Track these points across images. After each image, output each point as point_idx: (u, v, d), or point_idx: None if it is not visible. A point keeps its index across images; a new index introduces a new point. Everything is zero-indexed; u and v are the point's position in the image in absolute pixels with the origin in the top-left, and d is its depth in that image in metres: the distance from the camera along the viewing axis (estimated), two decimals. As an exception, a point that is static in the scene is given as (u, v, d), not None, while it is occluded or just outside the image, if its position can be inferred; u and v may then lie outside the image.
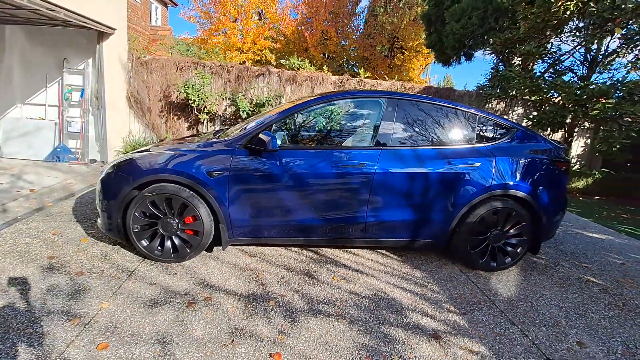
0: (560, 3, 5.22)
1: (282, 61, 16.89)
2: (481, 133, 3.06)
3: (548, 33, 6.40)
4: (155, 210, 2.71)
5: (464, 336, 2.21)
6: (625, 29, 5.27)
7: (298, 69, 6.61)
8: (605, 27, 5.35)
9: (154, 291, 2.43)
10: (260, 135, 2.61)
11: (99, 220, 3.00)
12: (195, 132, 6.71)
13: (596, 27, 5.49)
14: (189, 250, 2.80)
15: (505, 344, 2.16)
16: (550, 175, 3.05)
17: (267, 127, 2.78)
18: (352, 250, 3.35)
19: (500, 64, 8.49)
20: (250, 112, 6.30)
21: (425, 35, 12.50)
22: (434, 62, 18.24)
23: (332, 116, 2.93)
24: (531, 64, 6.60)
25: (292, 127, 2.86)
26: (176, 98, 6.42)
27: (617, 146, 5.43)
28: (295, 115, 2.83)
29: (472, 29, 9.72)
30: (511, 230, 3.01)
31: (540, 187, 2.98)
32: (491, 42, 7.57)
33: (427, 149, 2.92)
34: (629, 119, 5.53)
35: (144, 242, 2.77)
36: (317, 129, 2.91)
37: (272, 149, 2.55)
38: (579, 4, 5.16)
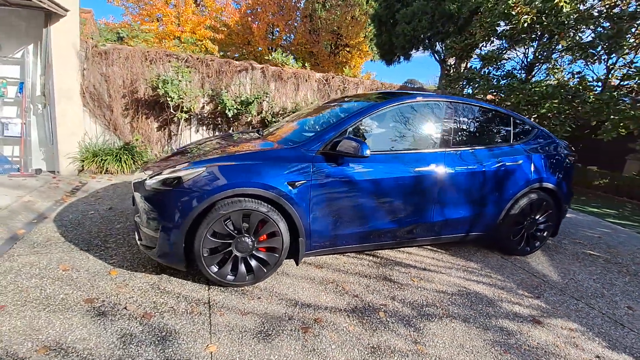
0: (519, 16, 6.04)
1: (228, 53, 15.83)
2: (516, 132, 3.40)
3: (501, 40, 7.34)
4: (231, 229, 2.36)
5: (555, 317, 2.47)
6: (567, 41, 6.37)
7: (283, 65, 6.30)
8: (552, 39, 6.40)
9: (254, 321, 2.14)
10: (347, 142, 2.46)
11: (141, 243, 2.49)
12: (168, 133, 5.91)
13: (545, 37, 6.52)
14: (265, 270, 2.51)
15: (586, 317, 2.50)
16: (566, 167, 3.56)
17: (343, 132, 2.64)
18: (401, 249, 3.42)
19: (452, 65, 9.37)
20: (236, 111, 5.80)
21: (375, 34, 13.05)
22: (372, 60, 19.29)
23: (399, 119, 2.91)
24: (487, 67, 7.47)
25: (363, 131, 2.76)
26: (144, 94, 5.55)
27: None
28: (366, 119, 2.74)
29: (422, 32, 10.56)
30: (541, 218, 3.44)
31: (561, 178, 3.46)
32: (449, 46, 8.31)
33: (481, 149, 3.13)
34: (564, 116, 6.73)
35: (214, 268, 2.39)
36: (386, 132, 2.86)
37: (362, 155, 2.43)
38: (534, 17, 6.05)
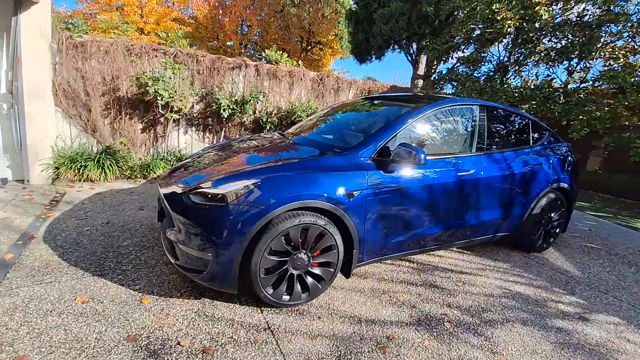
0: (503, 21, 6.36)
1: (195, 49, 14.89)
2: (534, 135, 3.53)
3: (483, 44, 7.69)
4: (288, 245, 2.16)
5: (596, 312, 2.60)
6: (545, 47, 6.83)
7: (276, 62, 6.02)
8: (531, 43, 6.82)
9: (327, 345, 1.98)
10: (403, 148, 2.35)
11: (178, 264, 2.20)
12: (154, 135, 5.39)
13: (527, 42, 6.94)
14: (320, 287, 2.34)
15: (620, 310, 2.66)
16: (574, 167, 3.78)
17: (392, 137, 2.54)
18: (430, 253, 3.41)
19: (432, 65, 9.65)
20: (232, 111, 5.42)
21: (350, 33, 13.07)
22: (342, 58, 19.36)
23: (439, 123, 2.88)
24: (469, 68, 7.80)
25: (408, 136, 2.67)
26: (127, 92, 4.99)
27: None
28: (413, 123, 2.66)
29: (399, 32, 10.77)
30: (555, 216, 3.62)
31: (572, 178, 3.67)
32: (431, 47, 8.53)
33: (509, 152, 3.21)
34: (540, 116, 7.25)
35: (270, 289, 2.18)
36: (429, 136, 2.81)
37: (419, 162, 2.34)
38: (516, 23, 6.40)
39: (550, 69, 8.26)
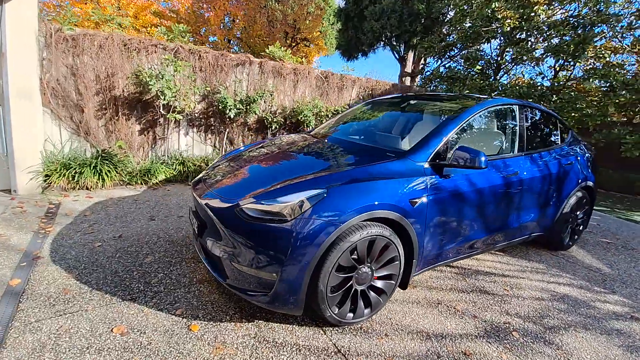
0: (504, 20, 6.43)
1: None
2: (562, 135, 3.54)
3: (476, 42, 7.77)
4: (354, 260, 1.99)
5: (644, 311, 2.62)
6: (544, 46, 6.99)
7: (281, 59, 5.75)
8: (531, 42, 6.96)
9: (407, 367, 1.84)
10: (462, 152, 2.23)
11: (229, 284, 1.98)
12: (153, 137, 5.00)
13: (522, 41, 7.07)
14: (381, 301, 2.19)
15: (664, 308, 2.69)
16: (594, 165, 3.84)
17: (446, 141, 2.42)
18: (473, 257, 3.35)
19: (435, 63, 9.66)
20: (237, 110, 5.12)
21: (340, 29, 12.90)
22: (327, 56, 19.19)
23: (485, 124, 2.79)
24: (469, 66, 7.86)
25: (459, 138, 2.56)
26: (123, 91, 4.57)
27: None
28: (463, 125, 2.55)
29: (391, 30, 10.73)
30: (580, 214, 3.66)
31: (593, 176, 3.72)
32: (427, 45, 8.53)
33: (545, 152, 3.18)
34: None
35: (335, 308, 2.01)
36: (476, 138, 2.71)
37: (480, 166, 2.23)
38: (516, 22, 6.50)
39: (536, 67, 8.53)
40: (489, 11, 6.67)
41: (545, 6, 6.44)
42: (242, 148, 3.06)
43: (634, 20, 6.54)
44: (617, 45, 7.52)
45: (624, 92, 6.54)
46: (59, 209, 3.70)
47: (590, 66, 7.79)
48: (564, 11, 6.99)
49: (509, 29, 6.62)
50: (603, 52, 7.30)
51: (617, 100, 6.70)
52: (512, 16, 6.46)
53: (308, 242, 1.80)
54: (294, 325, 2.10)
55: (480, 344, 2.07)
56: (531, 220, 3.11)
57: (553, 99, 7.48)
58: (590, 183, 3.56)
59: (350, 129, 3.18)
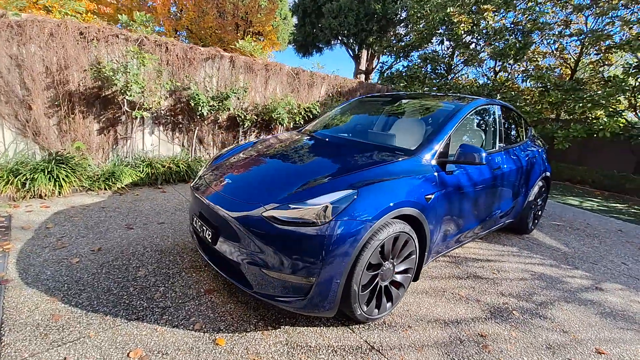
0: (459, 24, 6.94)
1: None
2: (525, 130, 3.96)
3: (430, 42, 8.29)
4: (381, 257, 2.04)
5: (603, 282, 3.07)
6: (491, 49, 7.69)
7: (251, 54, 5.51)
8: (478, 44, 7.61)
9: (436, 355, 1.93)
10: (467, 150, 2.37)
11: (256, 292, 1.91)
12: (114, 137, 4.50)
13: (468, 45, 7.71)
14: (400, 295, 2.28)
15: (616, 277, 3.19)
16: (547, 157, 4.36)
17: (448, 138, 2.56)
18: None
19: (392, 62, 10.04)
20: (210, 107, 4.81)
21: (297, 25, 12.76)
22: (279, 51, 18.87)
23: (475, 122, 3.01)
24: (426, 65, 8.34)
25: (457, 136, 2.72)
26: (79, 85, 4.04)
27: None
28: (461, 123, 2.72)
29: (348, 27, 10.92)
30: (539, 200, 4.14)
31: (549, 167, 4.23)
32: (386, 45, 8.85)
33: (516, 147, 3.53)
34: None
35: (364, 307, 2.04)
36: (469, 136, 2.91)
37: (482, 162, 2.41)
38: (468, 26, 7.06)
39: (478, 69, 9.39)
40: (443, 15, 7.16)
41: (493, 13, 7.10)
42: (237, 148, 2.91)
43: (563, 29, 7.51)
44: (545, 51, 8.55)
45: (555, 92, 7.51)
46: (12, 222, 3.18)
47: (523, 69, 8.80)
48: (505, 18, 7.79)
49: (463, 32, 7.18)
50: (536, 56, 8.28)
51: (550, 100, 7.65)
52: (467, 20, 7.03)
53: (344, 243, 1.80)
54: (321, 327, 2.09)
55: (491, 325, 2.26)
56: (509, 209, 3.44)
57: (498, 98, 8.29)
58: (548, 173, 4.05)
59: (350, 128, 3.21)
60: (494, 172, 2.99)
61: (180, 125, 5.08)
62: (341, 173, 2.11)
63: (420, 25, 7.95)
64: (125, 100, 4.17)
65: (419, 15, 8.03)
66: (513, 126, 3.70)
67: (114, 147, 4.56)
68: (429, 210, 2.26)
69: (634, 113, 7.78)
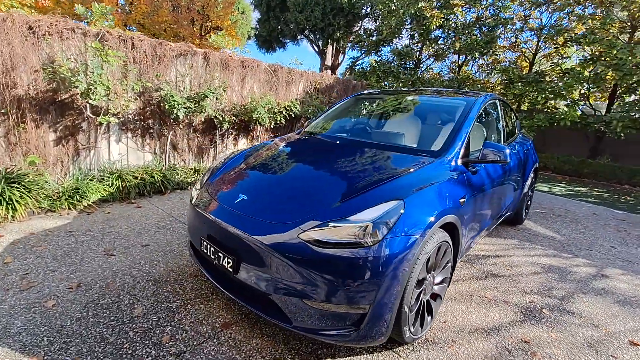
0: (431, 19, 7.00)
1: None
2: (517, 124, 4.02)
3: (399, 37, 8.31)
4: (426, 271, 1.86)
5: (603, 267, 3.19)
6: (459, 44, 7.86)
7: (224, 50, 5.05)
8: (449, 39, 7.75)
9: None
10: (491, 149, 2.28)
11: (298, 326, 1.65)
12: (75, 148, 3.87)
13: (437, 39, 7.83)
14: (438, 306, 2.14)
15: (612, 262, 3.33)
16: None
17: (466, 137, 2.45)
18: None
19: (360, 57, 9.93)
20: (185, 109, 4.32)
21: (260, 19, 12.21)
22: (237, 48, 18.11)
23: (485, 118, 2.94)
24: (400, 61, 8.33)
25: (473, 134, 2.62)
26: (29, 89, 3.40)
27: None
28: (475, 121, 2.61)
29: (316, 22, 10.64)
30: (530, 192, 4.25)
31: (537, 157, 4.36)
32: (356, 40, 8.73)
33: (515, 140, 3.56)
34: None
35: (412, 327, 1.86)
36: (480, 131, 2.83)
37: (506, 160, 2.33)
38: (439, 21, 7.14)
39: (443, 63, 9.67)
40: (415, 10, 7.19)
41: (462, 8, 7.27)
42: (238, 155, 2.58)
43: (523, 24, 7.89)
44: (504, 44, 8.96)
45: (519, 84, 7.89)
46: (-46, 261, 2.58)
47: (489, 62, 9.17)
48: (473, 14, 8.05)
49: (435, 27, 7.27)
50: (498, 50, 8.65)
51: (514, 92, 8.03)
52: (438, 15, 7.12)
53: (398, 263, 1.59)
54: (365, 355, 1.88)
55: (529, 329, 2.19)
56: (512, 202, 3.46)
57: (466, 89, 8.56)
58: (537, 164, 4.16)
59: (360, 130, 3.01)
60: (505, 167, 2.96)
61: (151, 131, 4.54)
62: (376, 181, 1.90)
63: (392, 21, 7.94)
64: (87, 105, 3.60)
65: (387, 10, 8.02)
66: (512, 120, 3.73)
67: (75, 159, 3.95)
68: (462, 213, 2.13)
69: (584, 103, 8.43)
